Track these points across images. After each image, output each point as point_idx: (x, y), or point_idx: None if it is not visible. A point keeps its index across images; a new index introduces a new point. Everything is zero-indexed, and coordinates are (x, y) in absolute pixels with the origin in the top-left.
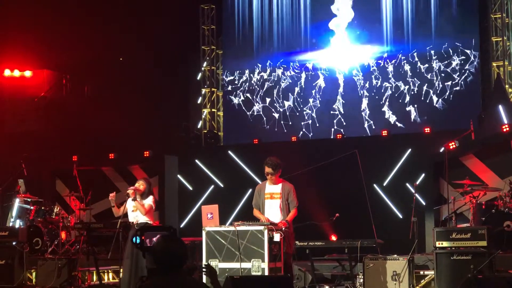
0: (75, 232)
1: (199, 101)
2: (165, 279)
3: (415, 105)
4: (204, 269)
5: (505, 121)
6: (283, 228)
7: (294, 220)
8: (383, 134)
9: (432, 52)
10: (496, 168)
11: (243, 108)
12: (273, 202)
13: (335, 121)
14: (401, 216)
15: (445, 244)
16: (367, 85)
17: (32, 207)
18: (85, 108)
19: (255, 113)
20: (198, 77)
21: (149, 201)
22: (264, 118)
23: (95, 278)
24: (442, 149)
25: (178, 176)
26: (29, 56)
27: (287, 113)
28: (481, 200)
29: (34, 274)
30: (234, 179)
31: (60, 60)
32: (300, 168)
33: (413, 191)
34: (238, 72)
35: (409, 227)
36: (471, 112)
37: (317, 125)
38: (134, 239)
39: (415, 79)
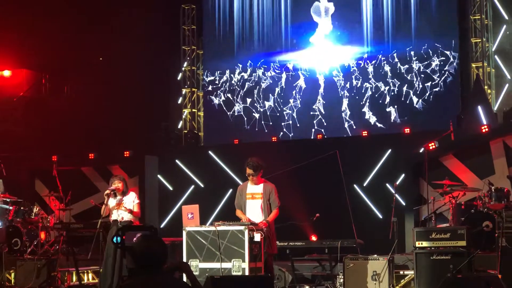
0: (55, 232)
1: (179, 101)
2: (146, 279)
3: (395, 106)
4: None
5: (484, 122)
6: (264, 228)
7: (275, 220)
8: (363, 134)
9: (412, 53)
10: (475, 169)
11: (224, 108)
12: (255, 203)
13: (315, 122)
14: (381, 216)
15: (424, 244)
16: (347, 85)
17: (11, 208)
18: (65, 108)
19: (235, 114)
20: (179, 77)
21: (136, 199)
22: (245, 118)
23: (74, 278)
24: (421, 150)
25: (159, 176)
26: (8, 56)
27: (268, 113)
28: (461, 200)
29: (13, 274)
30: (214, 179)
31: (39, 59)
32: (280, 168)
33: (393, 191)
34: (218, 72)
35: (389, 227)
36: (450, 113)
37: (298, 125)
38: (114, 238)
39: (395, 79)
